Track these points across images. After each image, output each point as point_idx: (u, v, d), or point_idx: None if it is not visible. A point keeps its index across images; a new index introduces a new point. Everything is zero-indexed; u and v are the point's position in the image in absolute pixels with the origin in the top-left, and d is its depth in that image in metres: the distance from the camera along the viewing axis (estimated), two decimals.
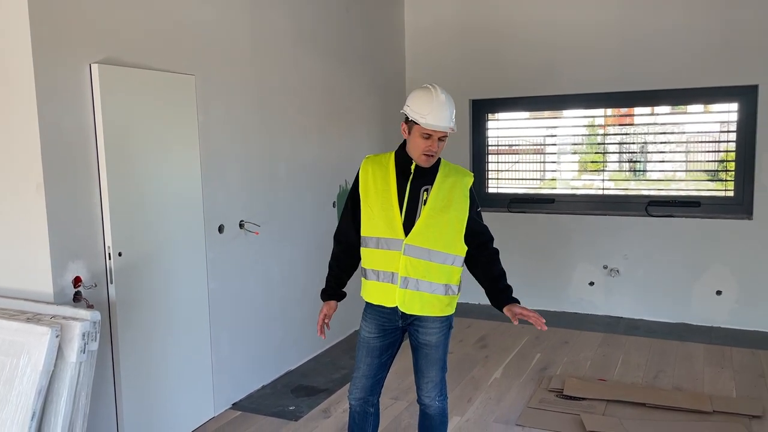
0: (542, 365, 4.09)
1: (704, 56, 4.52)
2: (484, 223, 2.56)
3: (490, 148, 5.46)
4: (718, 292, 4.66)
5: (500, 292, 2.52)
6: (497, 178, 5.50)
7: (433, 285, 2.42)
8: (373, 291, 2.49)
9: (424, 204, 2.41)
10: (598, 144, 5.28)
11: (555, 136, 5.43)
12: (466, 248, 2.47)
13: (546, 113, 5.38)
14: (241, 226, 3.57)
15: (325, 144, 4.34)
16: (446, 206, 2.41)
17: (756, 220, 4.49)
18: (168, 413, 3.11)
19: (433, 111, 2.34)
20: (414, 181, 2.42)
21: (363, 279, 2.54)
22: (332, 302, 2.62)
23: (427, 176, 2.44)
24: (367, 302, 2.55)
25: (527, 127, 5.45)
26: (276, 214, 3.88)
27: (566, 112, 5.32)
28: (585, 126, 5.34)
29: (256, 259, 3.72)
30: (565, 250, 5.12)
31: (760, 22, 4.35)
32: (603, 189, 5.16)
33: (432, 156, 2.40)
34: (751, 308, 4.57)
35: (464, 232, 2.45)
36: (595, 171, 5.26)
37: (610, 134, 5.26)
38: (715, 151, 4.86)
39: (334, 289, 2.63)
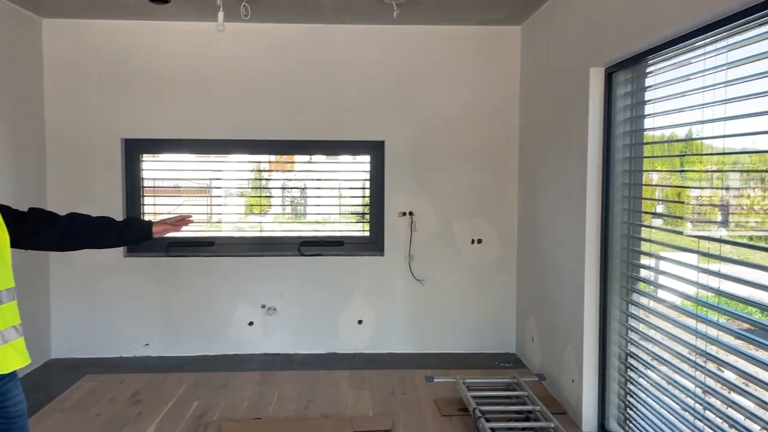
0: (200, 413, 4.01)
1: (345, 115, 5.12)
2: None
3: (145, 189, 5.24)
4: (360, 322, 5.24)
5: (127, 225, 2.55)
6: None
7: (17, 328, 2.18)
8: None
9: None
10: (262, 188, 5.49)
11: (220, 179, 5.43)
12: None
13: (212, 156, 5.37)
14: None
15: None
16: None
17: (386, 255, 5.21)
18: None
19: None
20: None
21: None
22: None
23: None
24: None
25: (192, 170, 5.37)
26: None
27: (231, 156, 5.39)
28: (251, 171, 5.49)
29: None
30: (225, 293, 5.15)
31: (387, 90, 5.13)
32: (261, 231, 5.37)
33: None
34: (385, 334, 5.25)
35: (17, 233, 2.24)
36: (259, 213, 5.45)
37: (273, 179, 5.53)
38: (360, 197, 5.48)
39: None
